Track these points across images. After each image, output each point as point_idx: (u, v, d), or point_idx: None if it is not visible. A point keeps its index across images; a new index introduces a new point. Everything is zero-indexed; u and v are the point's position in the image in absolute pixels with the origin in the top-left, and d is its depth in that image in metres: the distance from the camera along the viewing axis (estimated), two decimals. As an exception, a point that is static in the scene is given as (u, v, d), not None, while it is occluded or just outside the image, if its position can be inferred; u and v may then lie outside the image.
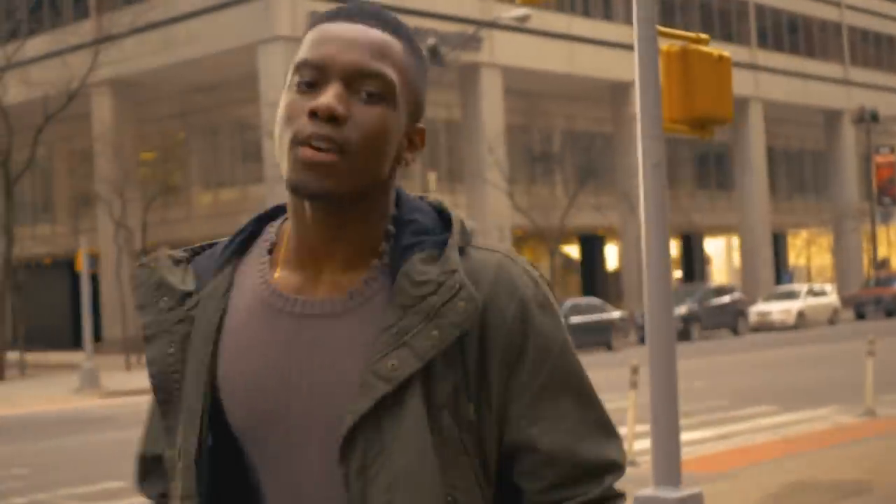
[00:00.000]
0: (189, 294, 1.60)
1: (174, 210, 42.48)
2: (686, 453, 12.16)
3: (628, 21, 46.72)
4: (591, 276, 52.71)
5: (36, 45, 39.66)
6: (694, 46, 7.21)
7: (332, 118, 1.47)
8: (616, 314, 33.54)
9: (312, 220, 1.53)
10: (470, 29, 38.14)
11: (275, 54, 36.27)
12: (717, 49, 7.35)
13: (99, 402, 23.26)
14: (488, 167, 39.93)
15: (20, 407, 22.82)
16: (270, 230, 1.64)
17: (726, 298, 36.38)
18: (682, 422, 14.37)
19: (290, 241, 1.59)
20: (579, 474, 1.55)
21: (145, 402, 2.05)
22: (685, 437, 13.28)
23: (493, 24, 38.44)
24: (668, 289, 6.81)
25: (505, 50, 41.73)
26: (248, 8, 36.87)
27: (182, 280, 1.61)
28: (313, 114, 1.47)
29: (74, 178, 42.21)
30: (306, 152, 1.47)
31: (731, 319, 36.48)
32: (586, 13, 45.72)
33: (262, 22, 36.45)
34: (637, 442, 11.61)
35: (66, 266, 42.60)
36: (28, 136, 33.03)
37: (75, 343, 42.66)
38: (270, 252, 1.61)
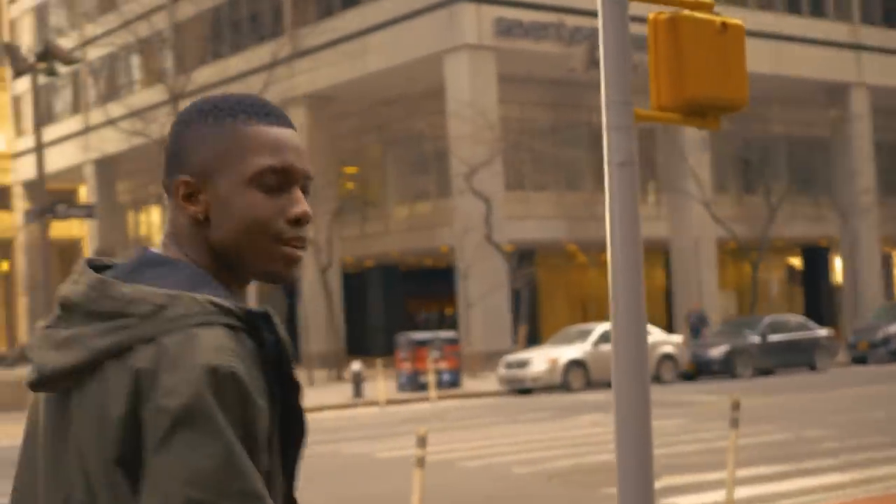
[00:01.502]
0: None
1: (372, 224, 42.29)
2: (817, 500, 10.43)
3: (841, 17, 43.64)
4: (816, 289, 49.72)
5: (232, 65, 40.25)
6: (688, 13, 5.76)
7: (306, 223, 1.68)
8: (822, 332, 31.09)
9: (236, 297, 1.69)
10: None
11: (460, 63, 35.48)
12: (721, 17, 5.87)
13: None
14: (684, 176, 37.91)
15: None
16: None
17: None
18: (824, 462, 12.56)
19: None
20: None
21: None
22: (822, 480, 11.47)
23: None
24: (639, 316, 5.40)
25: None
26: (433, 17, 36.16)
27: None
28: (297, 221, 1.65)
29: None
30: (294, 253, 1.66)
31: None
32: (796, 10, 42.93)
33: (447, 31, 35.70)
34: (738, 489, 10.04)
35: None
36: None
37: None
38: None
